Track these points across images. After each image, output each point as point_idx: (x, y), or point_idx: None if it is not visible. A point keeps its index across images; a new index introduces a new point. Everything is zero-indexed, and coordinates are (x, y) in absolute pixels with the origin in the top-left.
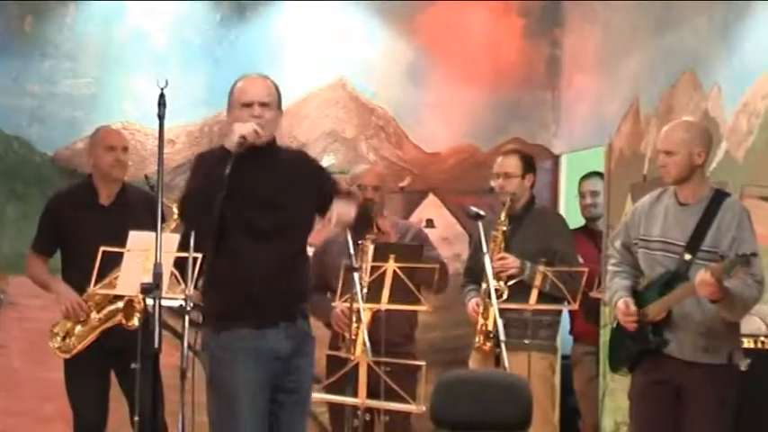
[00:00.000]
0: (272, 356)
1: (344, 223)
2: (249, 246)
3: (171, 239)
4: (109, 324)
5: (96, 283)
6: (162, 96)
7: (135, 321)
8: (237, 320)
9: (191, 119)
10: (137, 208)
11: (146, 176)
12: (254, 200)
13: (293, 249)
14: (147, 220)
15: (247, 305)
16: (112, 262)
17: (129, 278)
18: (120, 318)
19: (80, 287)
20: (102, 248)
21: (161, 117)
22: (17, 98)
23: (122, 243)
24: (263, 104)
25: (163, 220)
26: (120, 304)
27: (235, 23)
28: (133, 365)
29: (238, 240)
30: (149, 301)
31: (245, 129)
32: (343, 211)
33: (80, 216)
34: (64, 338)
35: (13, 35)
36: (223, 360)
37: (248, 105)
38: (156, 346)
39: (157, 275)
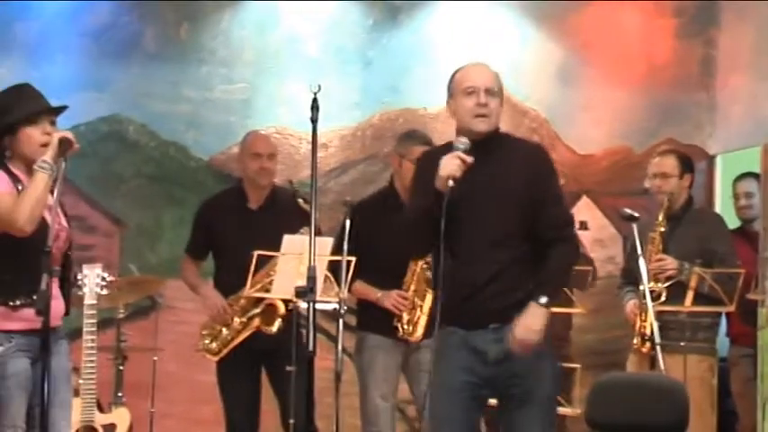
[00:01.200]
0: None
1: None
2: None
3: (325, 243)
4: (249, 330)
5: (250, 287)
6: (315, 100)
7: (275, 327)
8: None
9: (344, 122)
10: (286, 212)
11: (290, 182)
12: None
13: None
14: (297, 223)
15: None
16: (263, 266)
17: (284, 281)
18: (258, 323)
19: (231, 290)
20: (256, 252)
21: (314, 121)
22: (174, 104)
23: (271, 247)
24: (488, 91)
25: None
26: (261, 309)
27: (387, 26)
28: (288, 368)
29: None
30: (303, 305)
31: (449, 169)
32: None
33: (230, 220)
34: (211, 341)
35: (169, 41)
36: (440, 355)
37: (472, 92)
38: (312, 349)
39: (311, 279)
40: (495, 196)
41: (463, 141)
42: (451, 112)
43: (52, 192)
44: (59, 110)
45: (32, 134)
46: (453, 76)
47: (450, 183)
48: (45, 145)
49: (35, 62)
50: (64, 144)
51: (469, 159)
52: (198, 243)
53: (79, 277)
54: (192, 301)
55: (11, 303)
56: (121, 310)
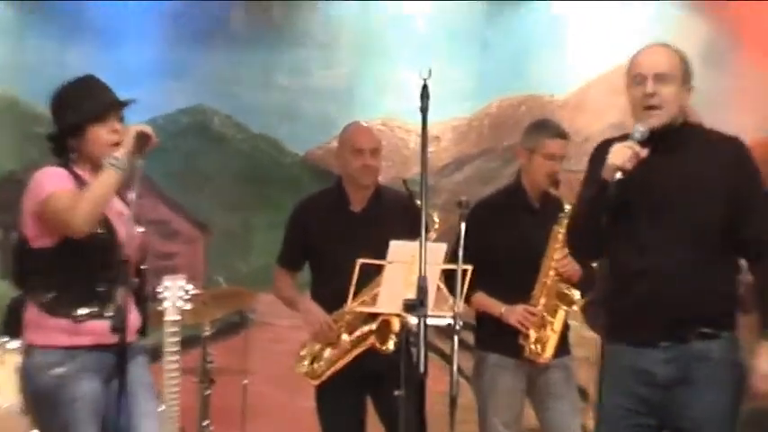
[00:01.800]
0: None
1: None
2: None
3: (437, 249)
4: (361, 348)
5: (353, 299)
6: (425, 87)
7: (390, 345)
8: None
9: (457, 112)
10: (393, 214)
11: (404, 181)
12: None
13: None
14: (405, 227)
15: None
16: (367, 276)
17: (391, 294)
18: (372, 340)
19: (331, 304)
20: (359, 261)
21: (424, 111)
22: (265, 93)
23: (376, 254)
24: (658, 78)
25: (426, 230)
26: (374, 325)
27: (507, 4)
28: (397, 393)
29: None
30: (413, 320)
31: (619, 158)
32: None
33: (329, 224)
34: (312, 363)
35: (261, 25)
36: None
37: (639, 81)
38: (423, 370)
39: (422, 290)
40: (683, 195)
41: (640, 130)
42: (629, 102)
43: (119, 194)
44: (127, 104)
45: (100, 133)
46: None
47: (618, 174)
48: (115, 144)
49: (108, 47)
50: (141, 139)
51: (644, 152)
52: (292, 251)
53: (159, 290)
54: (288, 316)
55: (74, 315)
56: (207, 328)
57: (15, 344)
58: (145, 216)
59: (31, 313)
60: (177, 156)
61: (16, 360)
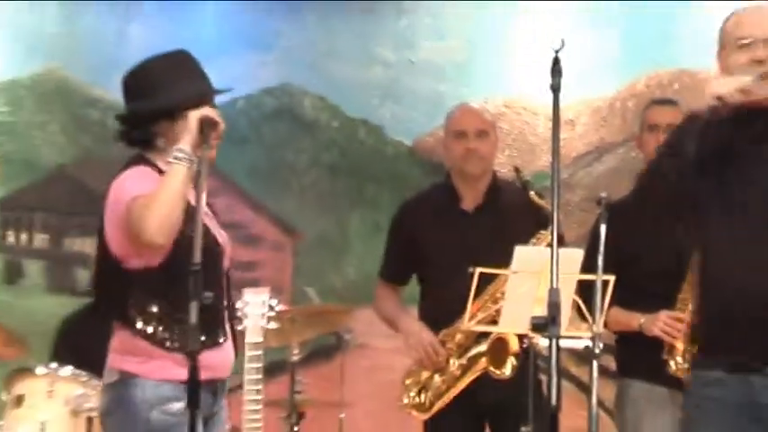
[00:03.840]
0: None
1: None
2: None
3: (572, 256)
4: (473, 374)
5: (470, 317)
6: (556, 62)
7: (507, 369)
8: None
9: (597, 91)
10: (514, 213)
11: (515, 169)
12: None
13: None
14: (528, 230)
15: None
16: (482, 287)
17: (515, 310)
18: (485, 364)
19: (442, 323)
20: (477, 270)
21: (555, 90)
22: (364, 69)
23: (496, 261)
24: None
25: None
26: (486, 346)
27: None
28: (523, 429)
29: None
30: (543, 342)
31: (724, 87)
32: None
33: (438, 228)
34: (419, 393)
35: None
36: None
37: (745, 46)
38: (555, 402)
39: (554, 306)
40: None
41: (756, 72)
42: (722, 68)
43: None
44: (226, 91)
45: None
46: (724, 26)
47: (716, 104)
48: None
49: (176, 16)
50: (206, 125)
51: (762, 90)
52: (396, 262)
53: (239, 306)
54: (391, 337)
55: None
56: (296, 351)
57: (67, 371)
58: (219, 218)
59: (132, 340)
60: (260, 146)
61: (68, 391)
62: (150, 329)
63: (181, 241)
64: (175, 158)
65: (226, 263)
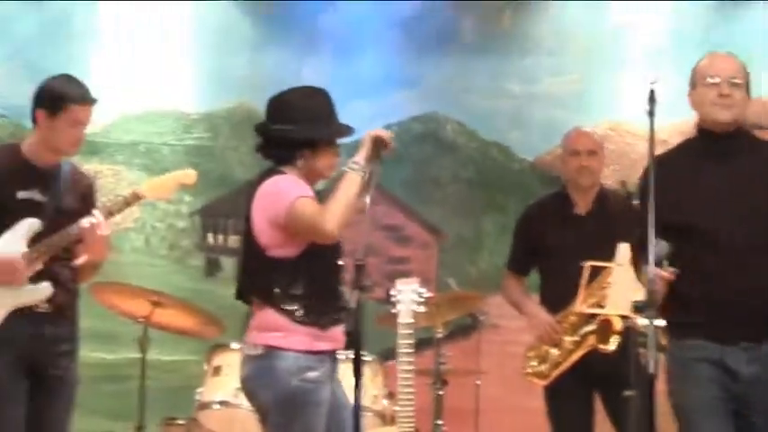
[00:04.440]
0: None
1: None
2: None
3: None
4: (583, 349)
5: (581, 302)
6: (652, 93)
7: (612, 345)
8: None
9: (685, 116)
10: (618, 217)
11: (622, 182)
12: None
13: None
14: (630, 230)
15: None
16: (591, 278)
17: (619, 295)
18: (593, 341)
19: (559, 306)
20: (588, 263)
21: (651, 114)
22: (495, 100)
23: (601, 256)
24: (732, 83)
25: None
26: (594, 326)
27: (731, 7)
28: (627, 393)
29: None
30: (643, 321)
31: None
32: None
33: (555, 228)
34: (539, 363)
35: (489, 31)
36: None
37: (715, 84)
38: (652, 370)
39: (651, 292)
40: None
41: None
42: (692, 103)
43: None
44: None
45: (329, 155)
46: (695, 66)
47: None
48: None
49: (342, 59)
50: (379, 143)
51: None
52: (520, 256)
53: (393, 293)
54: (517, 318)
55: (321, 323)
56: (440, 330)
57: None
58: (379, 221)
59: (275, 318)
60: (411, 163)
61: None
62: (292, 308)
63: None
64: (351, 168)
65: (362, 255)
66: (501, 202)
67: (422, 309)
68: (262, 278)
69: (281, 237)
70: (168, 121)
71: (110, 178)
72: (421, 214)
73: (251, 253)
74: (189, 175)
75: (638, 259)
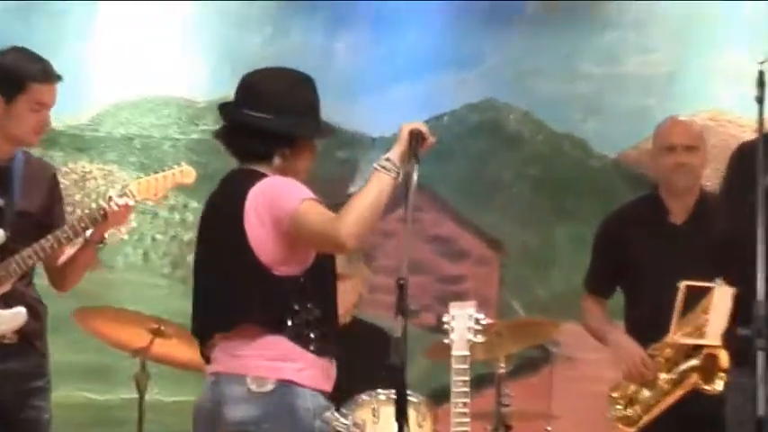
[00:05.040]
0: None
1: None
2: None
3: None
4: (683, 389)
5: (676, 330)
6: (761, 75)
7: (718, 385)
8: None
9: None
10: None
11: None
12: None
13: None
14: None
15: None
16: (690, 301)
17: (721, 322)
18: (696, 379)
19: (649, 335)
20: (684, 283)
21: (760, 101)
22: (568, 84)
23: (701, 274)
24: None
25: None
26: (697, 361)
27: None
28: None
29: None
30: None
31: None
32: None
33: (644, 240)
34: (626, 406)
35: (560, 2)
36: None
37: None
38: (762, 413)
39: (760, 319)
40: None
41: None
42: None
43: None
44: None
45: (308, 157)
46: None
47: None
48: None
49: (381, 35)
50: (415, 138)
51: None
52: (602, 274)
53: (445, 319)
54: (597, 350)
55: (331, 354)
56: (502, 365)
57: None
58: (426, 232)
59: (288, 347)
60: (465, 160)
61: None
62: (307, 335)
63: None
64: (382, 167)
65: (403, 274)
66: (576, 208)
67: (480, 338)
68: (268, 302)
69: (284, 250)
70: (170, 110)
71: (100, 180)
72: (478, 223)
73: (247, 274)
74: (186, 172)
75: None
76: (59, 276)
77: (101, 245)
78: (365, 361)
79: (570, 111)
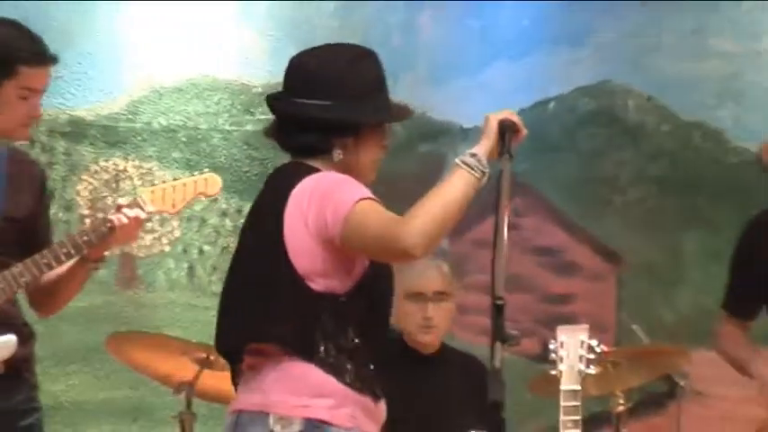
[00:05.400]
0: None
1: None
2: None
3: None
4: None
5: None
6: None
7: None
8: None
9: None
10: None
11: None
12: None
13: None
14: None
15: None
16: None
17: None
18: None
19: None
20: None
21: None
22: (698, 63)
23: None
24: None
25: None
26: None
27: None
28: None
29: None
30: None
31: None
32: None
33: None
34: None
35: None
36: None
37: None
38: None
39: None
40: None
41: None
42: None
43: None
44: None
45: (376, 147)
46: None
47: None
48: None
49: (473, 7)
50: (506, 130)
51: None
52: (743, 291)
53: (551, 347)
54: (736, 383)
55: (375, 392)
56: (621, 400)
57: None
58: (527, 242)
59: (319, 378)
60: (574, 155)
61: None
62: (342, 366)
63: (375, 266)
64: (465, 164)
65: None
66: (710, 213)
67: (594, 370)
68: (296, 320)
69: (326, 260)
70: (221, 96)
71: (136, 180)
72: (591, 231)
73: (275, 282)
74: (211, 180)
75: None
76: (44, 297)
77: (97, 264)
78: (454, 397)
79: (701, 95)
